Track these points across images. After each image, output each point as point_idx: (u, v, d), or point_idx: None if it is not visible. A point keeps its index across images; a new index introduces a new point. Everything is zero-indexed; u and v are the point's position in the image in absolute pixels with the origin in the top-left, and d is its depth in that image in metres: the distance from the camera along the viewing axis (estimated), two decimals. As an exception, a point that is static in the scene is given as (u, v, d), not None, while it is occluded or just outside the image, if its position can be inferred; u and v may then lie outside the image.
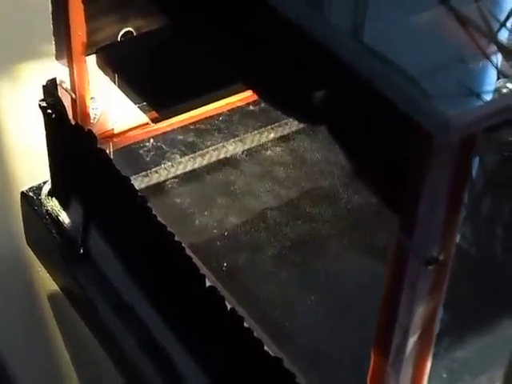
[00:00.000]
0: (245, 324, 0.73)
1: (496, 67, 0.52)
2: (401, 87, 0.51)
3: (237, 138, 1.09)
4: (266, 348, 0.71)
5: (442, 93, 0.51)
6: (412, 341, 0.59)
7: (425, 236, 0.54)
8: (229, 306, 0.74)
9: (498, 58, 0.53)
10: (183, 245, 0.79)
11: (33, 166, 1.12)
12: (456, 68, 0.53)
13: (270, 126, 1.11)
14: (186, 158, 1.06)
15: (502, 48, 0.53)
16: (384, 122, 0.54)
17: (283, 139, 1.10)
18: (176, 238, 0.79)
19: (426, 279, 0.56)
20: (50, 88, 0.93)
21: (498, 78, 0.52)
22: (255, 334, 0.72)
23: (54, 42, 0.90)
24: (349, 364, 0.81)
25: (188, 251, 0.80)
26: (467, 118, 0.48)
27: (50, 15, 0.88)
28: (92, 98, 0.93)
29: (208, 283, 0.77)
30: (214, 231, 0.98)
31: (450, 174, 0.51)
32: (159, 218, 0.81)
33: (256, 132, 1.10)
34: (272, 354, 0.72)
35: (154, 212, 0.81)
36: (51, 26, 0.89)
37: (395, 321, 0.58)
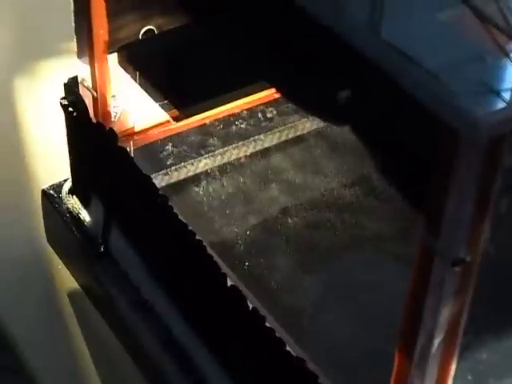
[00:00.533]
0: (266, 323, 0.72)
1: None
2: (429, 86, 0.50)
3: (257, 137, 1.09)
4: (288, 348, 0.71)
5: (471, 92, 0.50)
6: (437, 343, 0.58)
7: (451, 237, 0.53)
8: (250, 306, 0.74)
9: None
10: (204, 243, 0.78)
11: (53, 164, 1.13)
12: (483, 67, 0.52)
13: (290, 124, 1.10)
14: (207, 156, 1.06)
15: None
16: (411, 121, 0.53)
17: (301, 139, 1.09)
18: (197, 237, 0.79)
19: (452, 281, 0.55)
20: (71, 86, 0.93)
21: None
22: (277, 334, 0.71)
23: (75, 40, 0.90)
24: (372, 364, 0.81)
25: (209, 250, 0.79)
26: (496, 118, 0.48)
27: (72, 13, 0.88)
28: (113, 97, 0.93)
29: (229, 282, 0.76)
30: (235, 230, 0.98)
31: (478, 174, 0.50)
32: (180, 217, 0.81)
33: (277, 130, 1.09)
34: (294, 354, 0.71)
35: (175, 211, 0.81)
36: (72, 23, 0.89)
37: (420, 323, 0.57)
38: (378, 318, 0.85)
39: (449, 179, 0.51)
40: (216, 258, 0.79)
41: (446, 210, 0.52)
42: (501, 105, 0.49)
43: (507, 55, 0.52)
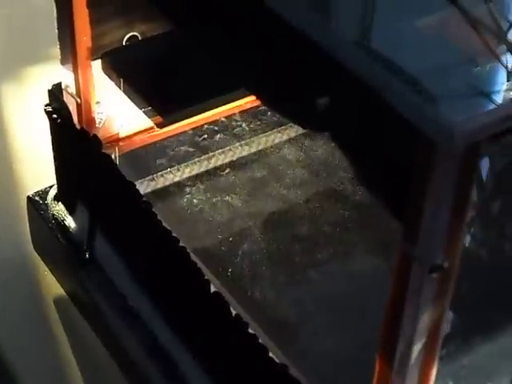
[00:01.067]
0: (249, 330, 0.72)
1: (506, 69, 0.52)
2: (403, 92, 0.51)
3: (243, 142, 1.09)
4: (270, 354, 0.71)
5: (446, 98, 0.50)
6: (417, 348, 0.59)
7: (429, 244, 0.53)
8: (234, 312, 0.74)
9: (508, 60, 0.53)
10: (188, 250, 0.79)
11: (39, 171, 1.13)
12: (460, 71, 0.53)
13: (276, 129, 1.11)
14: (192, 161, 1.06)
15: None
16: (387, 129, 0.54)
17: (290, 142, 1.10)
18: (181, 244, 0.79)
19: (430, 287, 0.55)
20: (55, 93, 0.93)
21: (508, 80, 0.51)
22: (260, 340, 0.71)
23: (59, 47, 0.90)
24: (353, 370, 0.81)
25: (193, 257, 0.79)
26: (472, 126, 0.48)
27: (55, 19, 0.88)
28: (97, 103, 0.93)
29: (213, 289, 0.77)
30: (219, 236, 0.98)
31: (454, 181, 0.51)
32: (164, 224, 0.81)
33: (263, 135, 1.10)
34: (277, 360, 0.71)
35: (159, 217, 0.81)
36: (56, 29, 0.89)
37: (400, 328, 0.58)
38: (359, 326, 0.85)
39: (425, 187, 0.51)
40: (200, 264, 0.79)
41: (423, 217, 0.52)
42: (478, 112, 0.49)
43: (495, 56, 0.52)
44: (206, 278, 0.77)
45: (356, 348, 0.83)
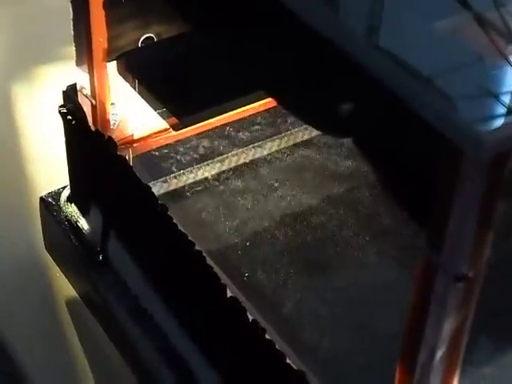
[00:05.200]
0: (266, 336, 0.72)
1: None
2: (431, 101, 0.50)
3: (256, 144, 1.08)
4: (288, 361, 0.70)
5: (475, 107, 0.50)
6: (439, 358, 0.58)
7: (455, 253, 0.53)
8: (250, 318, 0.73)
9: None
10: (204, 254, 0.78)
11: (52, 172, 1.12)
12: (488, 79, 0.52)
13: (289, 132, 1.10)
14: (205, 163, 1.06)
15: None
16: (414, 135, 0.53)
17: (301, 145, 1.09)
18: (197, 248, 0.78)
19: (454, 296, 0.54)
20: (70, 94, 0.92)
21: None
22: (277, 347, 0.71)
23: (74, 47, 0.89)
24: (372, 379, 0.80)
25: (209, 261, 0.79)
26: (500, 135, 0.47)
27: (70, 19, 0.88)
28: (112, 104, 0.92)
29: (229, 294, 0.76)
30: (234, 239, 0.97)
31: (481, 190, 0.50)
32: (180, 227, 0.80)
33: (275, 137, 1.09)
34: (294, 366, 0.71)
35: (174, 221, 0.80)
36: (71, 30, 0.89)
37: (422, 338, 0.57)
38: (378, 332, 0.84)
39: (452, 195, 0.50)
40: (216, 268, 0.79)
41: (450, 226, 0.51)
42: (505, 121, 0.49)
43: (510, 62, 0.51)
44: (222, 282, 0.76)
45: (375, 354, 0.82)
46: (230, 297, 0.75)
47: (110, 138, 0.88)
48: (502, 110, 0.49)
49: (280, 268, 0.93)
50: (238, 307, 0.74)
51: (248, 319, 0.73)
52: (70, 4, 0.87)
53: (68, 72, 0.94)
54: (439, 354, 0.58)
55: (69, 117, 0.92)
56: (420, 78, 0.51)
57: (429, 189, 0.52)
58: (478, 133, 0.47)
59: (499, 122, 0.48)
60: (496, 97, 0.49)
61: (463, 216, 0.51)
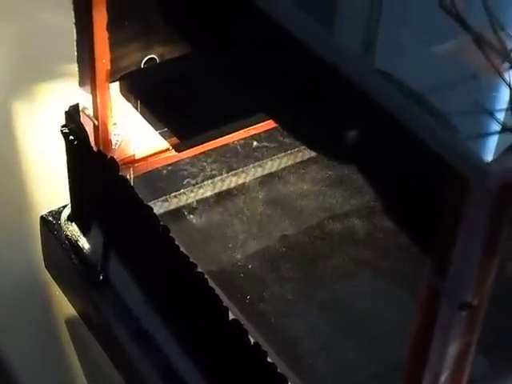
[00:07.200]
0: (268, 359, 0.72)
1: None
2: (436, 130, 0.50)
3: (256, 163, 1.09)
4: (290, 384, 0.71)
5: (480, 135, 0.50)
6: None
7: (459, 281, 0.53)
8: (252, 340, 0.73)
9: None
10: (206, 276, 0.78)
11: (52, 190, 1.12)
12: (493, 108, 0.52)
13: (289, 151, 1.10)
14: (206, 183, 1.06)
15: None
16: (418, 164, 0.53)
17: (303, 164, 1.09)
18: (199, 269, 0.78)
19: (458, 324, 0.55)
20: (72, 114, 0.93)
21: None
22: (279, 370, 0.71)
23: (76, 65, 0.90)
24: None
25: (211, 283, 0.79)
26: (507, 165, 0.48)
27: (73, 36, 0.88)
28: (114, 125, 0.93)
29: (231, 316, 0.76)
30: (234, 258, 0.97)
31: (486, 220, 0.50)
32: (182, 249, 0.81)
33: (276, 157, 1.10)
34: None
35: (176, 242, 0.80)
36: (71, 47, 0.89)
37: (425, 364, 0.57)
38: (380, 350, 0.84)
39: (457, 224, 0.50)
40: (218, 291, 0.79)
41: (455, 254, 0.52)
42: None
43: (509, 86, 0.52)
44: (223, 305, 0.76)
45: (377, 376, 0.82)
46: (232, 319, 0.75)
47: (112, 158, 0.88)
48: (508, 138, 0.49)
49: (283, 289, 0.93)
50: (239, 329, 0.74)
51: (250, 342, 0.73)
52: (70, 21, 0.87)
53: (69, 89, 0.95)
54: (443, 379, 0.58)
55: (71, 137, 0.92)
56: (426, 107, 0.52)
57: (434, 216, 0.53)
58: (483, 163, 0.48)
59: (506, 153, 0.49)
60: (504, 126, 0.49)
61: (468, 245, 0.51)
